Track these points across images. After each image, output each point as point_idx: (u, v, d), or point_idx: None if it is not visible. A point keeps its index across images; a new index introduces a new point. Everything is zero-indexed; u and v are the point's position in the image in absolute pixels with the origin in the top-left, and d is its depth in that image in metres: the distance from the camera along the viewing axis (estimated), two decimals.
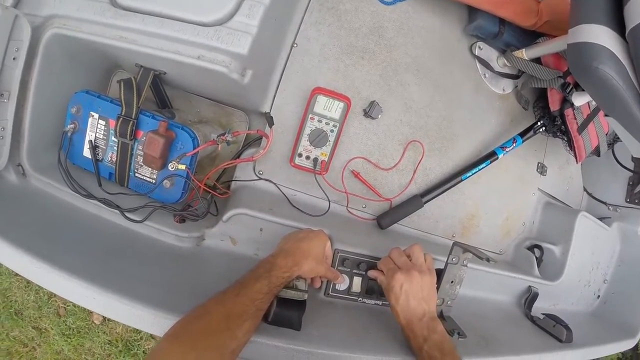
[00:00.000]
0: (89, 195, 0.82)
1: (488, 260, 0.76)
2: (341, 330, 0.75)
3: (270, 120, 0.89)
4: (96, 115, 0.83)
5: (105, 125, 0.84)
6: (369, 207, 1.03)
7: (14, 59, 0.76)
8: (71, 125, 0.84)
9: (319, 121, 0.91)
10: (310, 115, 0.91)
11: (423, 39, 1.05)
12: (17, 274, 1.76)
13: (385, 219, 1.01)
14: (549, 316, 1.10)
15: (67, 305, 1.75)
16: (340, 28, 0.98)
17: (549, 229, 1.26)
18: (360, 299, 0.85)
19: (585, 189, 1.50)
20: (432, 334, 0.69)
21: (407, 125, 1.03)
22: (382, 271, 0.79)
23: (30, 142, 0.82)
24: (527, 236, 1.27)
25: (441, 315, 0.85)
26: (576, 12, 0.79)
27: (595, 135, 1.17)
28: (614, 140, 1.31)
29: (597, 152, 1.22)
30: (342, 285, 0.82)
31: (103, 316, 1.72)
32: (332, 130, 0.92)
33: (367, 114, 0.98)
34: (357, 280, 0.84)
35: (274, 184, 0.96)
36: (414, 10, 1.04)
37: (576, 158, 1.17)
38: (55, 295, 1.75)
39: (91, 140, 0.85)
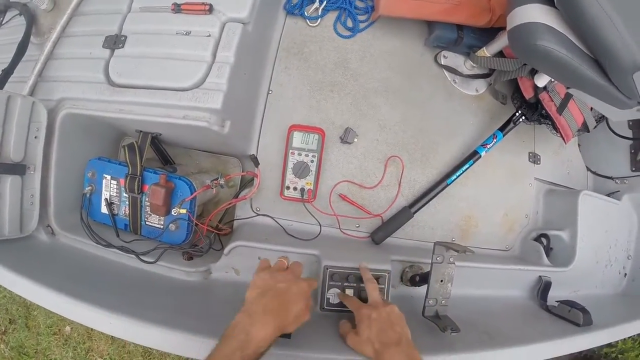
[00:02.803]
0: (109, 245, 1.00)
1: (465, 252, 0.86)
2: (333, 337, 0.85)
3: (255, 161, 1.06)
4: (109, 177, 1.04)
5: (117, 185, 1.04)
6: (363, 225, 1.16)
7: (35, 137, 0.97)
8: (89, 188, 1.04)
9: (299, 154, 1.07)
10: (290, 151, 1.07)
11: (387, 61, 1.20)
12: (55, 333, 2.01)
13: (378, 234, 1.13)
14: (564, 302, 1.12)
15: (105, 359, 1.96)
16: (307, 69, 1.15)
17: (554, 216, 1.31)
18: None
19: (588, 168, 1.53)
20: None
21: (384, 143, 1.17)
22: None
23: (56, 205, 1.02)
24: (533, 227, 1.32)
25: (436, 316, 0.92)
26: (509, 0, 0.90)
27: (578, 112, 1.22)
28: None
29: (585, 128, 1.27)
30: (334, 299, 0.94)
31: None
32: (312, 161, 1.08)
33: (343, 140, 1.13)
34: (349, 292, 0.94)
35: (271, 217, 1.12)
36: (374, 37, 1.20)
37: (564, 139, 1.23)
38: (92, 350, 1.98)
39: (107, 199, 1.05)
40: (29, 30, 1.09)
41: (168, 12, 0.99)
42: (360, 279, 0.94)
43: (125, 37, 1.00)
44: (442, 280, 0.93)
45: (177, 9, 0.99)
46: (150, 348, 1.95)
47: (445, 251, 0.92)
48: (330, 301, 0.94)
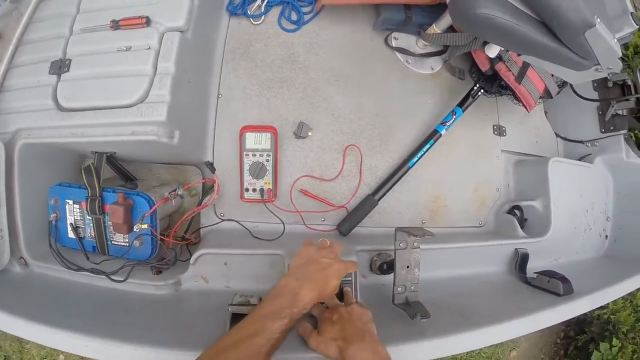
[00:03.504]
0: (80, 269, 1.02)
1: (424, 235, 0.86)
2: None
3: (211, 168, 1.07)
4: (71, 202, 1.05)
5: (79, 208, 1.05)
6: (328, 218, 1.17)
7: None
8: (53, 215, 1.05)
9: (254, 155, 1.08)
10: (244, 153, 1.08)
11: (335, 50, 1.20)
12: None
13: (344, 226, 1.13)
14: (542, 273, 1.12)
15: None
16: (255, 68, 1.16)
17: (526, 186, 1.31)
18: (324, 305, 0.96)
19: (557, 134, 1.53)
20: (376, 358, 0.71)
21: (339, 133, 1.17)
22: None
23: (26, 237, 1.03)
24: (506, 200, 1.33)
25: (407, 302, 0.92)
26: None
27: (538, 79, 1.21)
28: None
29: (548, 94, 1.26)
30: None
31: None
32: (267, 160, 1.08)
33: (297, 135, 1.13)
34: None
35: (236, 221, 1.13)
36: (320, 27, 1.20)
37: (526, 108, 1.22)
38: None
39: (72, 223, 1.06)
40: None
41: (107, 30, 1.00)
42: None
43: (70, 60, 1.01)
44: (408, 267, 0.93)
45: (116, 25, 0.99)
46: None
47: (407, 237, 0.92)
48: None
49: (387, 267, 1.02)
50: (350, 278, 0.95)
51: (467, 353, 2.15)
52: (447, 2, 0.91)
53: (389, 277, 1.05)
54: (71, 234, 1.07)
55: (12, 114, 1.03)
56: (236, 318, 0.81)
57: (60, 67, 1.01)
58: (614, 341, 2.07)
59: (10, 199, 1.01)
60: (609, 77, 1.42)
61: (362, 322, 0.79)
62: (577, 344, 2.28)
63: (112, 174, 1.15)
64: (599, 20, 0.78)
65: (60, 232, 1.08)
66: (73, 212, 1.06)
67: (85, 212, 1.04)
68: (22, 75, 1.05)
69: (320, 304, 0.87)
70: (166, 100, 0.93)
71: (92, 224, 1.05)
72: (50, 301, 0.98)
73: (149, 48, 0.97)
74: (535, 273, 1.15)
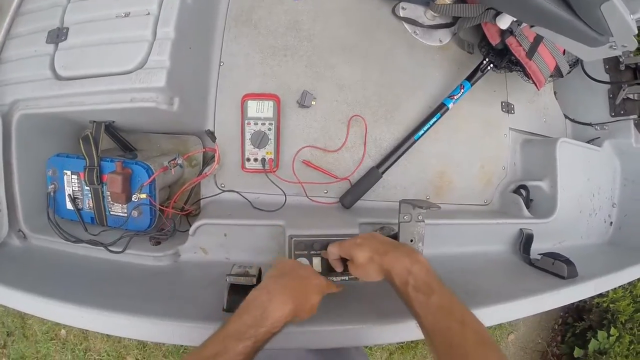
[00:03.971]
0: (78, 240, 1.01)
1: (430, 207, 0.84)
2: None
3: (212, 136, 1.05)
4: (69, 172, 1.03)
5: (77, 179, 1.03)
6: (331, 190, 1.15)
7: None
8: (52, 186, 1.04)
9: (255, 124, 1.06)
10: (246, 121, 1.06)
11: (341, 19, 1.16)
12: (52, 339, 2.08)
13: (346, 198, 1.11)
14: (547, 254, 1.11)
15: (102, 357, 2.03)
16: (258, 35, 1.12)
17: (532, 166, 1.29)
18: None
19: (566, 116, 1.50)
20: (415, 264, 0.68)
21: (344, 103, 1.15)
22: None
23: (24, 209, 1.02)
24: (512, 179, 1.31)
25: None
26: None
27: (549, 56, 1.18)
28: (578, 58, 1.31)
29: (558, 73, 1.23)
30: None
31: None
32: (269, 129, 1.06)
33: (300, 104, 1.11)
34: (317, 261, 0.93)
35: (237, 192, 1.11)
36: None
37: (536, 85, 1.19)
38: (89, 350, 2.05)
39: (70, 194, 1.04)
40: None
41: None
42: (325, 246, 0.93)
43: (67, 28, 0.98)
44: (412, 240, 0.92)
45: None
46: (144, 341, 2.01)
47: (412, 209, 0.90)
48: None
49: None
50: None
51: None
52: None
53: None
54: (69, 205, 1.05)
55: (9, 85, 1.01)
56: (234, 288, 0.80)
57: (57, 35, 0.99)
58: (612, 330, 2.08)
59: (8, 171, 0.99)
60: (621, 60, 1.39)
61: (386, 238, 0.78)
62: (574, 331, 2.29)
63: (111, 144, 1.13)
64: None
65: (59, 203, 1.06)
66: (71, 183, 1.04)
67: (83, 182, 1.03)
68: (19, 46, 1.03)
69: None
70: (165, 65, 0.90)
71: (90, 195, 1.03)
72: (49, 274, 0.97)
73: (148, 13, 0.94)
74: (540, 254, 1.14)
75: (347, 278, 0.95)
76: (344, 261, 0.84)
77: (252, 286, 0.81)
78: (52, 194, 1.04)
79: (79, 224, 1.06)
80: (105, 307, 0.80)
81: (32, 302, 0.83)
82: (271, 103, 1.05)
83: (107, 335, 2.02)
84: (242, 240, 1.00)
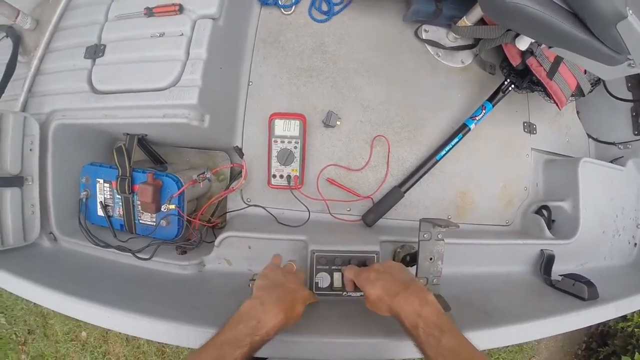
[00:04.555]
0: (107, 245, 1.06)
1: (448, 226, 0.85)
2: (320, 320, 0.87)
3: (239, 152, 1.10)
4: (101, 181, 1.09)
5: (109, 187, 1.09)
6: (354, 208, 1.18)
7: (30, 150, 1.03)
8: (84, 193, 1.10)
9: (282, 142, 1.10)
10: (273, 139, 1.10)
11: (365, 41, 1.21)
12: (72, 340, 2.13)
13: (369, 217, 1.14)
14: (568, 276, 1.10)
15: None
16: (285, 57, 1.18)
17: (554, 186, 1.29)
18: (345, 292, 0.96)
19: (588, 135, 1.49)
20: (424, 306, 0.69)
21: (368, 123, 1.18)
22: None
23: (56, 213, 1.08)
24: (533, 200, 1.30)
25: None
26: None
27: (570, 75, 1.18)
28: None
29: (580, 92, 1.24)
30: (324, 283, 0.96)
31: None
32: (295, 147, 1.10)
33: (326, 124, 1.15)
34: (337, 276, 0.96)
35: (262, 207, 1.16)
36: (350, 19, 1.21)
37: (558, 105, 1.20)
38: (108, 353, 2.09)
39: (101, 201, 1.10)
40: (16, 50, 1.15)
41: (141, 17, 1.04)
42: (347, 262, 0.96)
43: (105, 45, 1.06)
44: (431, 258, 0.93)
45: (150, 12, 1.03)
46: (163, 347, 2.04)
47: (432, 228, 0.91)
48: (319, 285, 0.96)
49: (411, 259, 1.02)
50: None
51: (487, 353, 2.13)
52: None
53: (412, 270, 1.06)
54: (100, 212, 1.11)
55: (48, 95, 1.08)
56: None
57: (95, 51, 1.06)
58: (636, 356, 2.00)
59: (43, 176, 1.06)
60: None
61: (401, 274, 0.79)
62: (598, 357, 2.22)
63: (142, 156, 1.19)
64: (631, 12, 0.76)
65: (90, 209, 1.12)
66: (103, 190, 1.10)
67: (115, 191, 1.08)
68: (58, 60, 1.11)
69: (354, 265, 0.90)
70: (198, 84, 0.96)
71: (121, 203, 1.09)
72: (77, 275, 1.02)
73: (182, 34, 1.00)
74: (560, 275, 1.13)
75: (360, 295, 0.97)
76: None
77: None
78: (84, 200, 1.11)
79: (108, 230, 1.11)
80: (130, 309, 0.84)
81: (60, 301, 0.88)
82: (297, 122, 1.09)
83: (126, 339, 2.07)
84: (266, 253, 1.01)
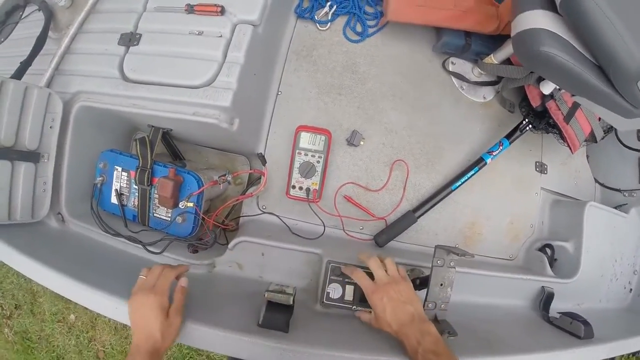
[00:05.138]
0: (117, 234, 1.05)
1: (464, 255, 0.87)
2: (329, 333, 0.88)
3: (262, 160, 1.11)
4: (120, 169, 1.09)
5: (127, 176, 1.09)
6: (366, 227, 1.20)
7: (50, 127, 1.02)
8: (100, 178, 1.09)
9: (306, 155, 1.12)
10: (297, 151, 1.12)
11: (394, 66, 1.25)
12: (59, 321, 2.08)
13: (381, 237, 1.16)
14: (565, 314, 1.13)
15: (106, 349, 2.02)
16: (316, 71, 1.21)
17: (559, 226, 1.33)
18: (354, 306, 0.97)
19: (596, 180, 1.54)
20: (425, 336, 0.77)
21: (389, 147, 1.21)
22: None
23: (67, 194, 1.07)
24: (538, 237, 1.34)
25: (435, 319, 0.93)
26: (513, 6, 0.93)
27: (586, 122, 1.24)
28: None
29: (593, 138, 1.29)
30: (335, 294, 0.97)
31: None
32: (318, 161, 1.12)
33: (349, 142, 1.17)
34: (349, 289, 0.97)
35: (276, 215, 1.16)
36: (382, 43, 1.25)
37: (570, 148, 1.24)
38: (94, 339, 2.04)
39: (117, 189, 1.10)
40: (47, 25, 1.14)
41: (181, 13, 1.05)
42: None
43: (140, 35, 1.06)
44: (442, 284, 0.95)
45: (190, 9, 1.04)
46: None
47: (446, 255, 0.94)
48: (331, 296, 0.97)
49: (420, 282, 1.03)
50: None
51: None
52: (511, 36, 0.94)
53: (419, 294, 1.07)
54: (114, 200, 1.11)
55: (75, 76, 1.07)
56: (269, 306, 0.83)
57: (130, 39, 1.06)
58: None
59: (60, 155, 1.05)
60: None
61: (411, 303, 0.84)
62: None
63: (161, 150, 1.19)
64: None
65: (104, 196, 1.12)
66: (120, 179, 1.10)
67: (132, 181, 1.08)
68: (90, 42, 1.10)
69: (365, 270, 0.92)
70: (233, 87, 0.97)
71: (137, 194, 1.08)
72: (83, 259, 1.01)
73: (221, 36, 1.01)
74: (559, 313, 1.16)
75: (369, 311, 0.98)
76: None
77: (289, 305, 0.83)
78: (99, 185, 1.10)
79: (120, 219, 1.11)
80: None
81: (62, 282, 0.85)
82: (323, 137, 1.11)
83: (115, 328, 2.03)
84: (278, 262, 1.04)
